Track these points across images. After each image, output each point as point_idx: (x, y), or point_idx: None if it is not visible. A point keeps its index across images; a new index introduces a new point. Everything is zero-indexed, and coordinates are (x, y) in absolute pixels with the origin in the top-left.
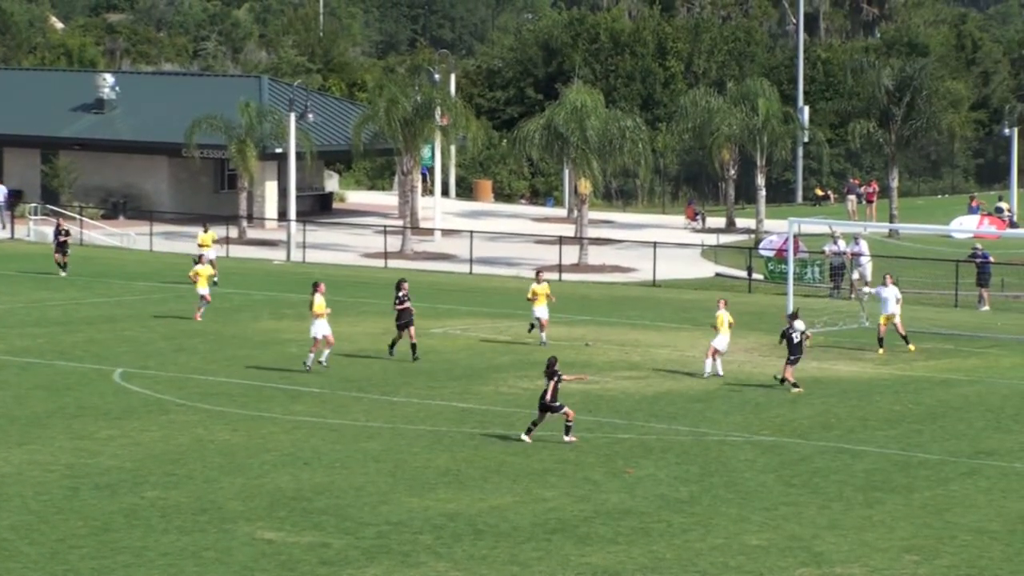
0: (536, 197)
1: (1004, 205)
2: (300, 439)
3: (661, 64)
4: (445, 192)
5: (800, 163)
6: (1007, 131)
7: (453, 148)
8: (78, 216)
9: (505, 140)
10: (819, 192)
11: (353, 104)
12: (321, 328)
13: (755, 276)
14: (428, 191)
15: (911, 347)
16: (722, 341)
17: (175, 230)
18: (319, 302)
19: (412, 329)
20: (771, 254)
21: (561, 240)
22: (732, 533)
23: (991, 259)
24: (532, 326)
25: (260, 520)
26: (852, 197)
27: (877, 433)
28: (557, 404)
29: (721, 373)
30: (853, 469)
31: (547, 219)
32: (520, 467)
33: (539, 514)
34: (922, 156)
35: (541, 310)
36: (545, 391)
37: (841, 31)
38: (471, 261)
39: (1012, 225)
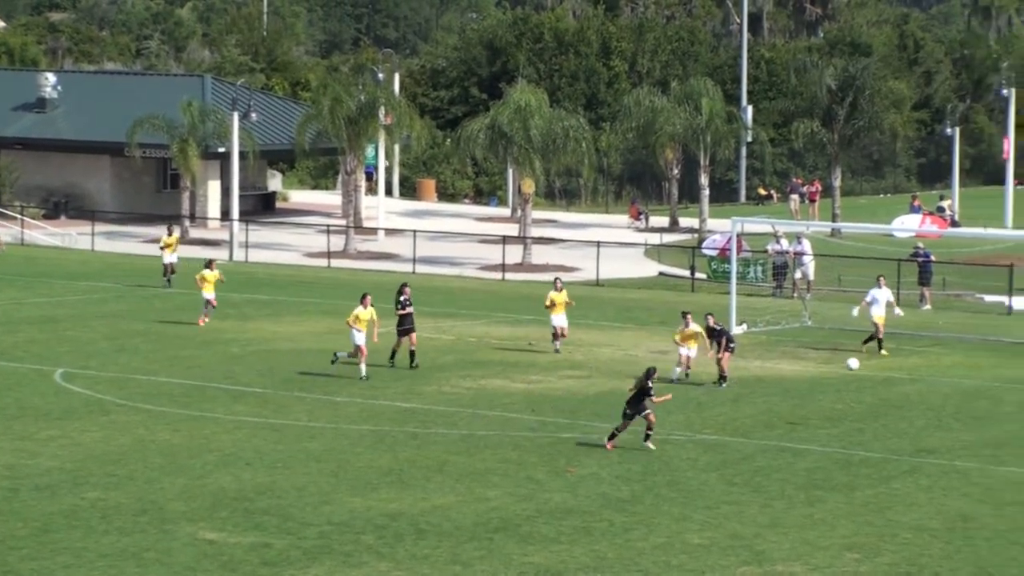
0: (480, 196)
1: (946, 204)
2: (242, 439)
3: (605, 64)
4: (389, 191)
5: (743, 162)
6: (949, 131)
7: (397, 147)
8: (19, 216)
9: (449, 139)
10: (762, 191)
11: (296, 103)
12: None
13: (698, 275)
14: (371, 190)
15: (884, 352)
16: (692, 351)
17: (117, 230)
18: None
19: (414, 336)
20: (714, 253)
21: (504, 239)
22: (674, 532)
23: (933, 258)
24: (555, 336)
25: (201, 520)
26: (795, 196)
27: (819, 432)
28: (630, 413)
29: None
30: (795, 468)
31: (490, 218)
32: (462, 467)
33: (481, 513)
34: (864, 155)
35: (559, 318)
36: (631, 399)
37: (784, 31)
38: (414, 260)
39: (954, 224)
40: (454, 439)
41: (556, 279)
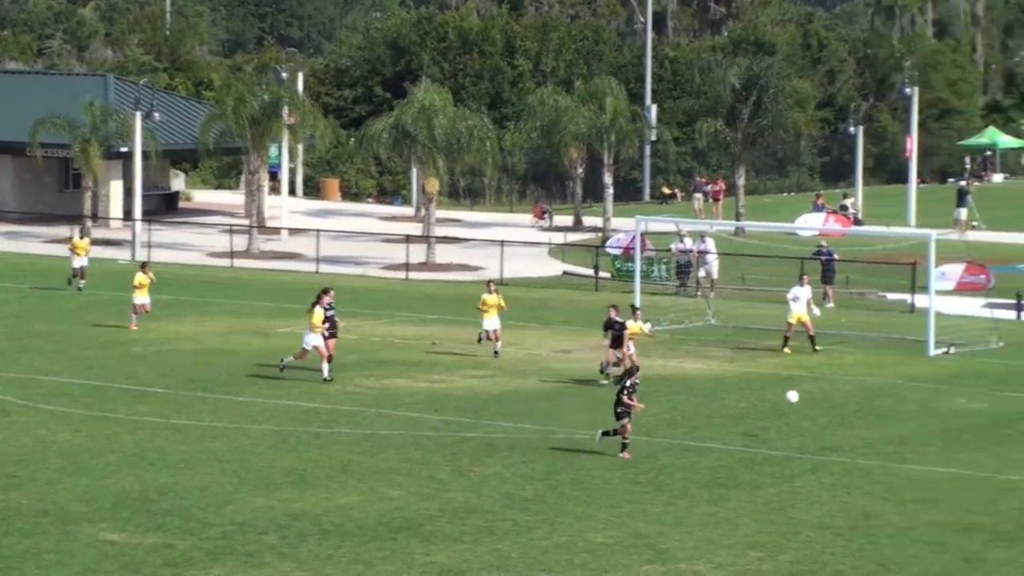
0: (383, 196)
1: (849, 203)
2: (144, 440)
3: (509, 63)
4: (292, 191)
5: (647, 161)
6: (852, 129)
7: (300, 147)
8: None
9: (353, 139)
10: (666, 190)
11: (200, 103)
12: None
13: (602, 274)
14: (275, 190)
15: (818, 348)
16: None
17: (19, 230)
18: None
19: (332, 342)
20: (618, 252)
21: (408, 239)
22: (577, 531)
23: (836, 256)
24: (480, 338)
25: (103, 522)
26: (699, 195)
27: (722, 430)
28: (621, 411)
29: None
30: (698, 466)
31: (394, 218)
32: (366, 466)
33: (384, 513)
34: (768, 154)
35: (491, 321)
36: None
37: (689, 30)
38: (318, 260)
39: (857, 222)
40: (357, 439)
41: (489, 282)
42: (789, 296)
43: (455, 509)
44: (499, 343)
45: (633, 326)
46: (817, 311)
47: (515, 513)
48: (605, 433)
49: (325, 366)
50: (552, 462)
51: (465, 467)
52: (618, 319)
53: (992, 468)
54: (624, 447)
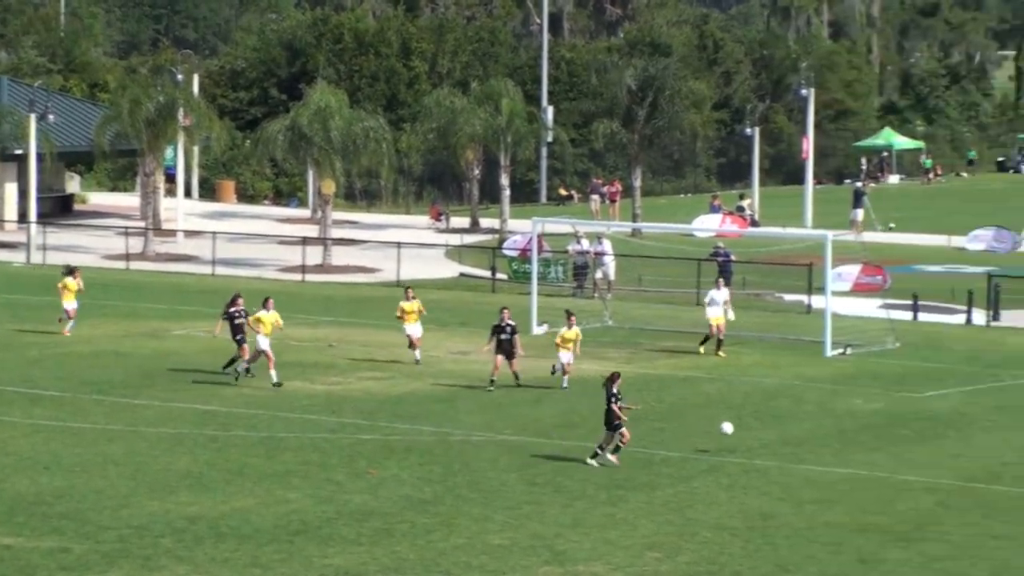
0: (280, 198)
1: (745, 204)
2: (39, 443)
3: (405, 64)
4: (188, 193)
5: (544, 163)
6: (749, 131)
7: (196, 149)
8: None
9: (248, 141)
10: (563, 192)
11: (95, 105)
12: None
13: (499, 276)
14: (171, 192)
15: (721, 353)
16: (568, 356)
17: None
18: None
19: (246, 347)
20: (515, 254)
21: (305, 241)
22: (475, 533)
23: (733, 257)
24: (410, 345)
25: None
26: (595, 197)
27: None
28: (618, 422)
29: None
30: (596, 467)
31: (290, 220)
32: (262, 469)
33: (281, 516)
34: (665, 156)
35: (413, 328)
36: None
37: (585, 31)
38: (214, 262)
39: (753, 223)
40: (254, 441)
41: (407, 289)
42: (706, 300)
43: (352, 511)
44: (419, 351)
45: (568, 332)
46: (732, 315)
47: (413, 515)
48: (595, 455)
49: (274, 372)
50: (449, 464)
51: (362, 469)
52: (510, 322)
53: (889, 468)
54: (616, 450)
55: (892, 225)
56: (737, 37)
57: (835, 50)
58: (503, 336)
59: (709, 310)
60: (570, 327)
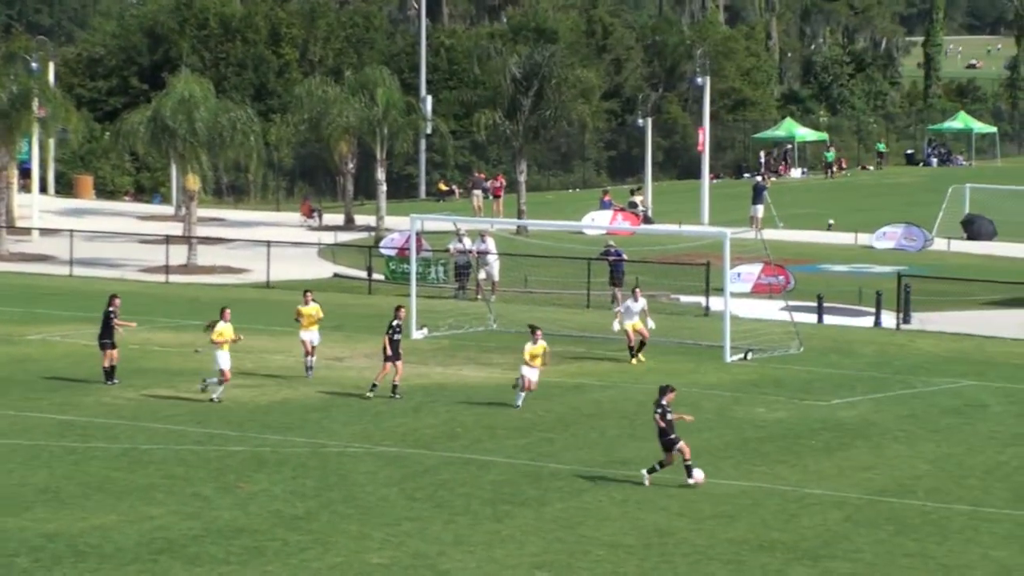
0: (141, 194)
1: (638, 199)
2: None
3: (275, 51)
4: (43, 189)
5: (423, 156)
6: (640, 121)
7: (52, 142)
8: None
9: (108, 133)
10: (443, 187)
11: None
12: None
13: (375, 276)
14: (26, 188)
15: (640, 358)
16: (533, 373)
17: None
18: (221, 328)
19: (115, 352)
20: (393, 253)
21: (168, 239)
22: (352, 551)
23: (625, 257)
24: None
25: None
26: (478, 192)
27: (506, 443)
28: (673, 436)
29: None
30: (481, 481)
31: (153, 217)
32: (125, 483)
33: (145, 533)
34: (552, 148)
35: (309, 334)
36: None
37: (465, 17)
38: (71, 262)
39: (647, 220)
40: (115, 454)
41: (306, 291)
42: (619, 310)
43: (221, 528)
44: (314, 358)
45: (535, 348)
46: (652, 324)
47: (285, 532)
48: (652, 470)
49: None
50: (324, 478)
51: (231, 483)
52: (399, 323)
53: (793, 481)
54: (689, 471)
55: (831, 222)
56: (628, 22)
57: (732, 36)
58: (396, 336)
59: (625, 319)
60: (535, 341)
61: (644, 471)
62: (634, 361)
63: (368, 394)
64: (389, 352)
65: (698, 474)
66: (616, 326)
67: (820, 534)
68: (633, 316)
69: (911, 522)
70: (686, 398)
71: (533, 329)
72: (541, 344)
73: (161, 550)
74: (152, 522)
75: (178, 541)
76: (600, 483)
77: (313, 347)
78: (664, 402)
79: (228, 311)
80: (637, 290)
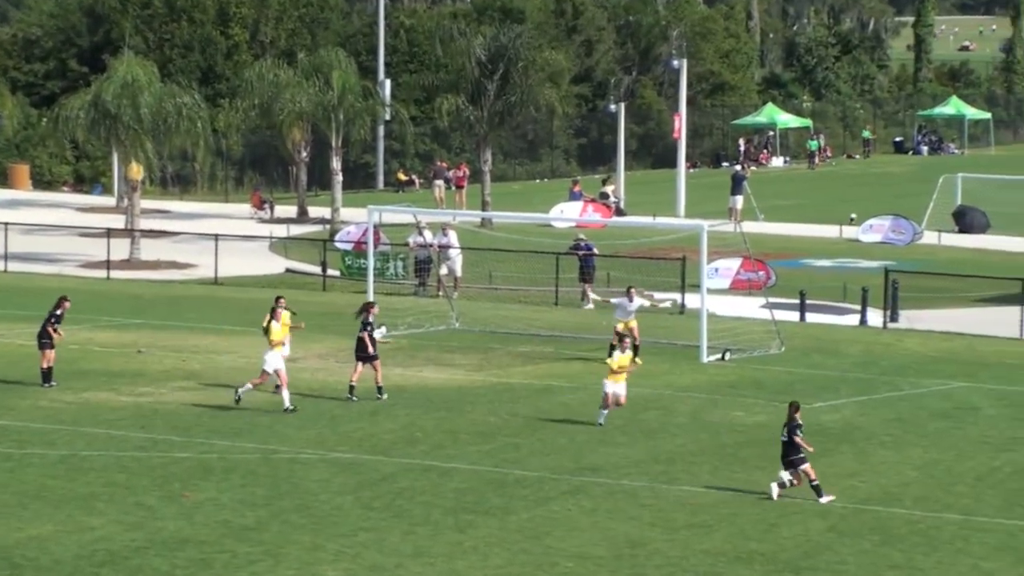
0: (81, 184)
1: (610, 190)
2: None
3: (223, 32)
4: None
5: (381, 144)
6: (613, 107)
7: None
8: None
9: (45, 119)
10: (402, 176)
11: None
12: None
13: (330, 272)
14: None
15: (638, 361)
16: (621, 387)
17: None
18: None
19: (51, 353)
20: (349, 247)
21: (110, 233)
22: (305, 563)
23: (595, 251)
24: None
25: None
26: (439, 182)
27: (469, 448)
28: (801, 456)
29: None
30: (442, 489)
31: (94, 209)
32: (63, 492)
33: (85, 545)
34: (518, 136)
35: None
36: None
37: None
38: (6, 257)
39: (619, 212)
40: (53, 460)
41: (278, 298)
42: (613, 302)
43: (166, 540)
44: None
45: (622, 358)
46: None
47: (233, 543)
48: (782, 485)
49: (285, 393)
50: (275, 485)
51: (176, 492)
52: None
53: None
54: (819, 491)
55: (854, 216)
56: (599, 2)
57: (710, 16)
58: (364, 333)
59: (617, 314)
60: (623, 351)
61: (774, 484)
62: (638, 360)
63: (353, 398)
64: (371, 350)
65: (827, 497)
66: (590, 304)
67: (801, 545)
68: (628, 315)
69: (897, 532)
70: (660, 400)
71: (621, 337)
72: (628, 354)
73: (102, 563)
74: (92, 533)
75: (120, 553)
76: (568, 491)
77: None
78: (799, 420)
79: (283, 299)
80: (632, 290)
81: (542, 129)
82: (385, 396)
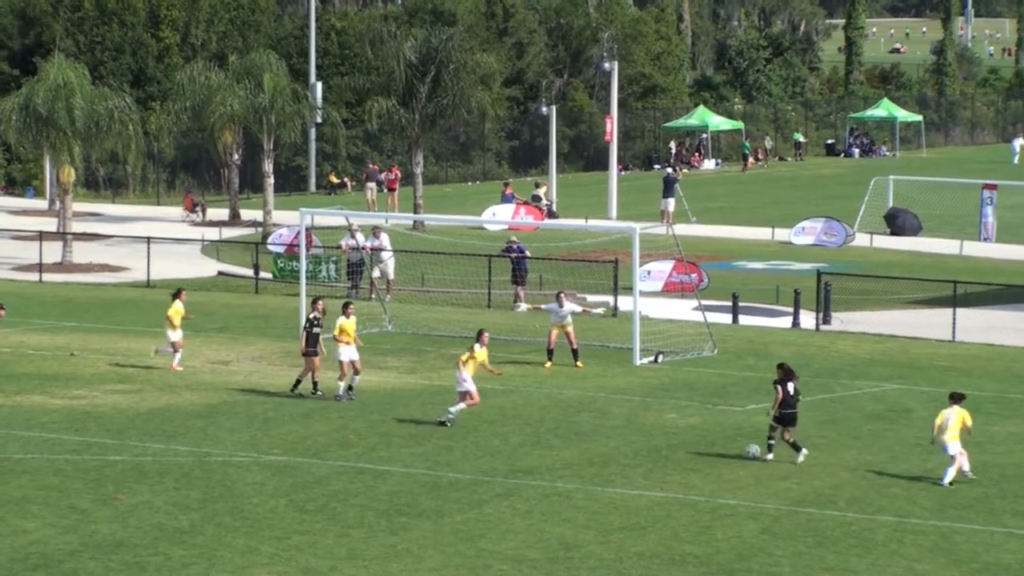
0: (13, 187)
1: (542, 192)
2: None
3: (154, 35)
4: None
5: (313, 146)
6: (544, 109)
7: None
8: None
9: None
10: (334, 179)
11: None
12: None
13: (263, 275)
14: None
15: (578, 364)
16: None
17: None
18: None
19: None
20: (281, 250)
21: (42, 235)
22: (239, 566)
23: (528, 253)
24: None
25: None
26: (371, 185)
27: (402, 451)
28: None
29: None
30: (375, 492)
31: (26, 212)
32: None
33: (19, 548)
34: (450, 138)
35: (348, 351)
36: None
37: None
38: None
39: (551, 215)
40: None
41: (177, 293)
42: (544, 307)
43: (99, 543)
44: (357, 378)
45: (479, 352)
46: (600, 310)
47: (167, 547)
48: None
49: (342, 384)
50: (209, 488)
51: (110, 495)
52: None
53: (706, 491)
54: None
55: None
56: (530, 4)
57: (641, 18)
58: (316, 329)
59: (554, 321)
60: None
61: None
62: (579, 364)
63: (318, 392)
64: (307, 347)
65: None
66: (522, 307)
67: (735, 547)
68: (562, 319)
69: (831, 534)
70: (594, 403)
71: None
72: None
73: (36, 566)
74: (26, 536)
75: (54, 557)
76: (502, 494)
77: (347, 365)
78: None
79: (351, 307)
80: (562, 295)
81: (474, 132)
82: (321, 393)
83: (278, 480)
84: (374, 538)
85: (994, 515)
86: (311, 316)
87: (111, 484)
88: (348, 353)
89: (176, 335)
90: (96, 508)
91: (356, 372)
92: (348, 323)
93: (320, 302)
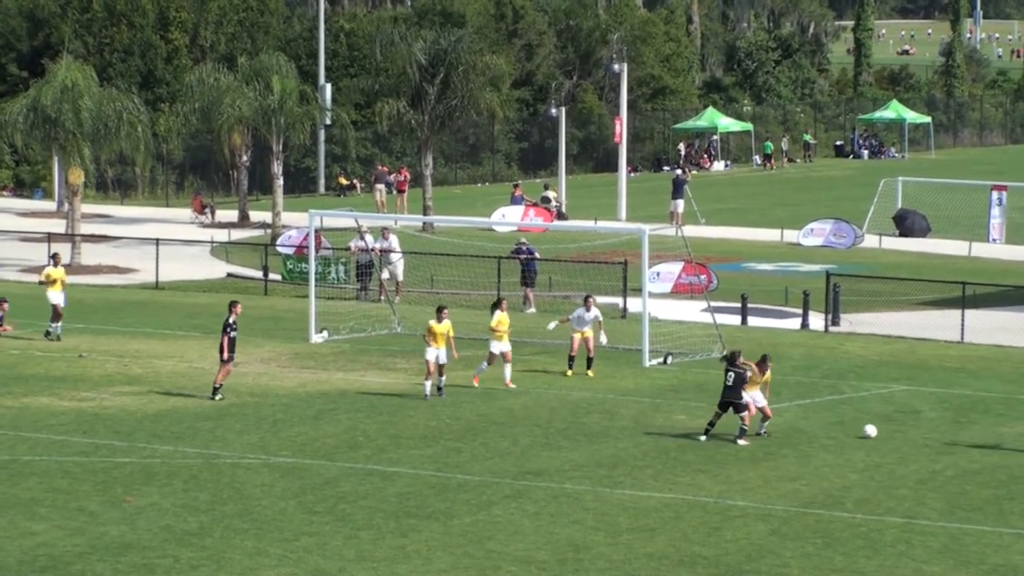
0: (21, 188)
1: (551, 194)
2: None
3: (163, 37)
4: None
5: (322, 148)
6: (554, 111)
7: None
8: None
9: None
10: (343, 181)
11: None
12: (498, 346)
13: (272, 276)
14: None
15: (589, 373)
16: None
17: None
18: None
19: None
20: (290, 251)
21: (50, 237)
22: (248, 568)
23: (537, 255)
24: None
25: None
26: (381, 186)
27: (411, 452)
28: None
29: None
30: (384, 493)
31: (34, 213)
32: (4, 497)
33: (27, 550)
34: (459, 140)
35: (500, 344)
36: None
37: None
38: None
39: (560, 216)
40: None
41: (441, 308)
42: (570, 319)
43: (108, 545)
44: (444, 378)
45: (438, 325)
46: (605, 339)
47: (176, 549)
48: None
49: (428, 383)
50: (217, 490)
51: (119, 497)
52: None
53: (715, 492)
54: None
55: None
56: (540, 6)
57: (651, 20)
58: (233, 334)
59: (575, 328)
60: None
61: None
62: (590, 373)
63: (216, 397)
64: (227, 353)
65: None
66: (551, 325)
67: (744, 548)
68: (585, 325)
69: (840, 535)
70: (603, 404)
71: (763, 359)
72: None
73: (44, 568)
74: (34, 538)
75: (62, 559)
76: (511, 495)
77: (507, 355)
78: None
79: (446, 310)
80: (590, 299)
81: (483, 133)
82: (220, 397)
83: (287, 482)
84: (383, 540)
85: (1003, 516)
86: (230, 320)
87: (120, 486)
88: (432, 353)
89: None
90: (105, 510)
91: (441, 373)
92: (440, 327)
93: (239, 305)
